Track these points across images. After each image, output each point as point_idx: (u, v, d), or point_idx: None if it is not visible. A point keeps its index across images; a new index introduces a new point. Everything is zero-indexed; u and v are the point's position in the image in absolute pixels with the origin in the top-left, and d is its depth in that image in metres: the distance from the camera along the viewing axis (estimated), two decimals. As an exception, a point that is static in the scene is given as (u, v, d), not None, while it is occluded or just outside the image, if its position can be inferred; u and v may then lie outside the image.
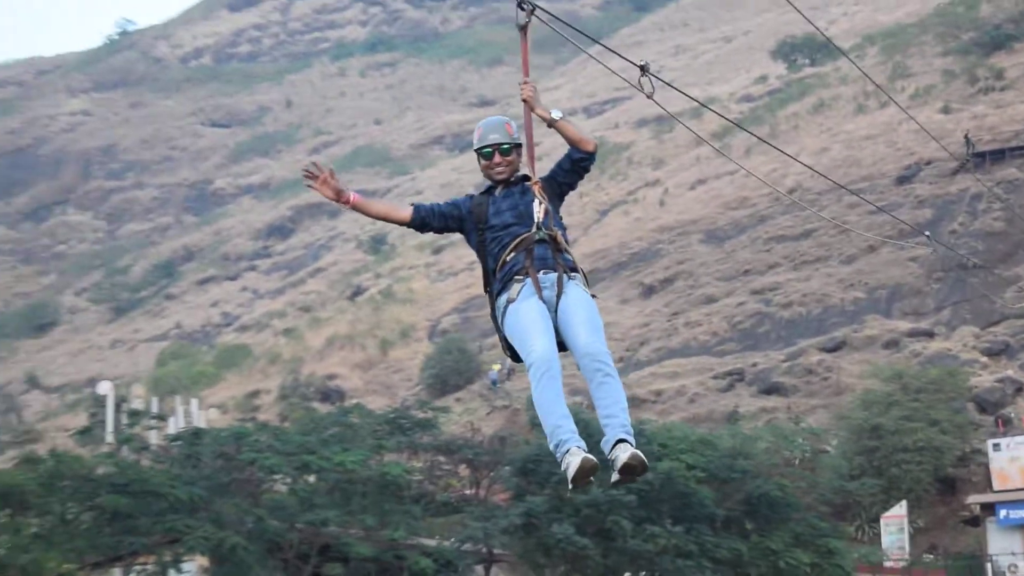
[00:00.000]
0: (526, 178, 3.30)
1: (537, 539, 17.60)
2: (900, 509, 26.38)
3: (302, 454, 17.19)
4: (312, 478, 17.80)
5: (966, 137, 41.42)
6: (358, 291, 64.50)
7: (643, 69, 3.77)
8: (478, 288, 3.73)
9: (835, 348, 36.64)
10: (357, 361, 50.75)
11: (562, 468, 2.81)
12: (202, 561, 16.35)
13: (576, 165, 3.27)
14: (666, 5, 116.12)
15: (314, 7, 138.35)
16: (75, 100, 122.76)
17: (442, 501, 21.51)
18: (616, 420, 2.87)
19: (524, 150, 3.36)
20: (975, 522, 27.99)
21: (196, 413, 31.98)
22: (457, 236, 3.62)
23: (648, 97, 3.85)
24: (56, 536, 15.13)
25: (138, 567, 16.30)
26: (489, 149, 3.29)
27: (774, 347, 38.48)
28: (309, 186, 3.24)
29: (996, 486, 26.88)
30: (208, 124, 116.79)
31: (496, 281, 3.20)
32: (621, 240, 52.49)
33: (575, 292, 3.10)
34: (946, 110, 48.39)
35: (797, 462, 25.86)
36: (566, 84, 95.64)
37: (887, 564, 25.60)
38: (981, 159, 41.93)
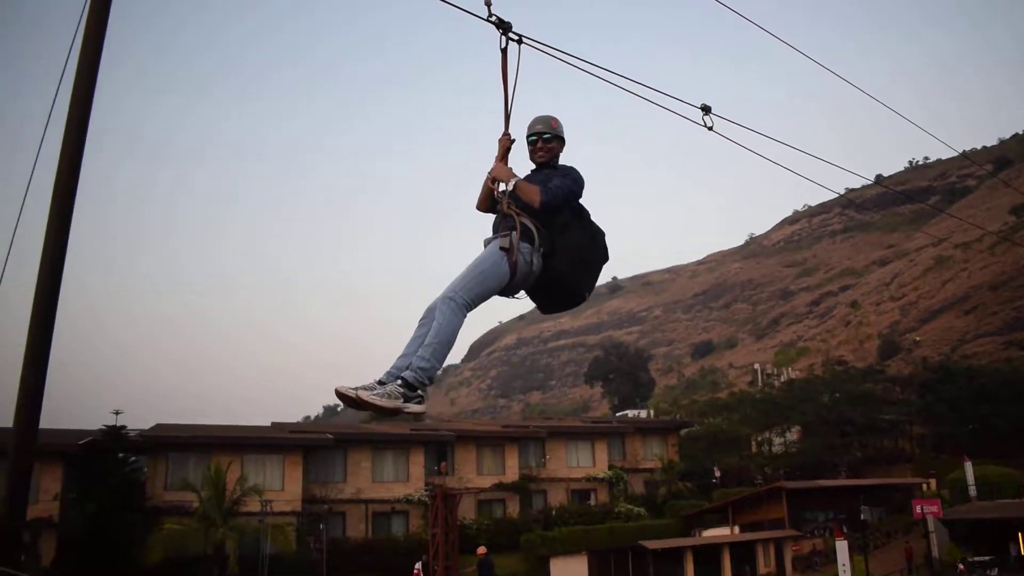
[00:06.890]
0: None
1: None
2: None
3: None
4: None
5: None
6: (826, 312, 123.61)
7: (705, 109, 4.65)
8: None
9: None
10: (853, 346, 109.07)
11: None
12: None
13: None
14: None
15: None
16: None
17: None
18: (414, 357, 3.65)
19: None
20: None
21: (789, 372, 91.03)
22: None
23: (709, 130, 4.60)
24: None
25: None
26: (533, 137, 4.05)
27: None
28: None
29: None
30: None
31: None
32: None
33: (488, 248, 3.85)
34: None
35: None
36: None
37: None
38: None
